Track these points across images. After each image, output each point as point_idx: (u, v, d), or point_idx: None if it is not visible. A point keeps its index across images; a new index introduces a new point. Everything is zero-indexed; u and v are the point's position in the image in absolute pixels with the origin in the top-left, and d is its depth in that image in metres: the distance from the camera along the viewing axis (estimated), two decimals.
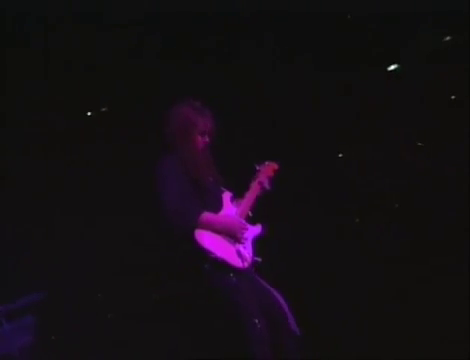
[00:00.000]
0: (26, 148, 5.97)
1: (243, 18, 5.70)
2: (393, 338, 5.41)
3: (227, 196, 4.36)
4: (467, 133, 5.79)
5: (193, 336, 4.39)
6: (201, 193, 4.25)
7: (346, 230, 6.09)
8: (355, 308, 5.67)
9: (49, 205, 5.90)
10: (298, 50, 5.95)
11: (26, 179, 5.91)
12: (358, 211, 6.17)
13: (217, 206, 4.28)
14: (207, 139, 4.38)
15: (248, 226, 4.29)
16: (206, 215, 4.15)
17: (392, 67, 6.12)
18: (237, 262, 4.14)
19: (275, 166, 4.54)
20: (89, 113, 6.11)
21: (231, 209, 4.33)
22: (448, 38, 5.92)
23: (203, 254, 4.07)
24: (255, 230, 4.35)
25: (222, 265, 4.09)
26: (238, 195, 4.39)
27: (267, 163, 4.54)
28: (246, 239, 4.27)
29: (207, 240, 4.10)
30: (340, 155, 6.21)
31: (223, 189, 4.38)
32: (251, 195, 4.38)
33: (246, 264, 4.18)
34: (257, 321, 4.02)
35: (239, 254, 4.17)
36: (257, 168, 4.50)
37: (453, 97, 6.00)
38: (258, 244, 4.33)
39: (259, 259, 4.28)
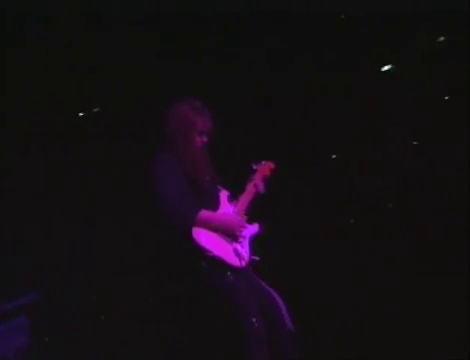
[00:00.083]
0: (25, 148, 5.97)
1: (240, 18, 5.70)
2: (391, 338, 5.41)
3: (224, 195, 4.38)
4: (463, 133, 5.79)
5: (190, 335, 4.37)
6: (199, 192, 4.25)
7: (342, 230, 6.09)
8: (352, 308, 5.67)
9: (44, 205, 5.88)
10: (295, 50, 5.95)
11: (25, 179, 5.91)
12: (353, 211, 6.16)
13: (214, 205, 4.29)
14: (205, 139, 4.38)
15: (246, 224, 4.30)
16: (204, 213, 4.15)
17: (386, 67, 6.12)
18: (234, 261, 4.15)
19: (272, 165, 4.57)
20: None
21: (228, 208, 4.35)
22: (442, 38, 5.91)
23: (200, 252, 4.06)
24: (252, 229, 4.36)
25: (219, 264, 4.09)
26: (235, 194, 4.40)
27: (264, 163, 4.56)
28: (244, 238, 4.27)
29: (204, 238, 4.10)
30: (333, 156, 6.20)
31: (220, 188, 4.39)
32: (248, 195, 4.39)
33: (243, 263, 4.19)
34: (254, 320, 4.02)
35: (236, 253, 4.18)
36: (254, 167, 4.52)
37: (447, 98, 5.99)
38: (255, 243, 4.33)
39: (256, 258, 4.29)
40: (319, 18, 5.75)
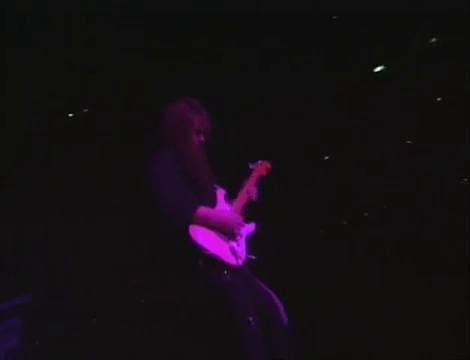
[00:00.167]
0: (25, 148, 5.98)
1: (237, 18, 5.70)
2: (389, 338, 5.40)
3: (221, 194, 4.38)
4: (459, 134, 5.79)
5: (187, 334, 4.37)
6: (196, 190, 4.25)
7: (337, 230, 6.09)
8: (348, 307, 5.67)
9: (40, 205, 5.88)
10: (291, 51, 5.95)
11: (25, 179, 5.91)
12: (348, 211, 6.17)
13: (211, 203, 4.29)
14: (202, 138, 4.39)
15: (243, 223, 4.31)
16: (202, 209, 4.14)
17: (378, 68, 6.12)
18: (231, 259, 4.15)
19: (268, 165, 4.59)
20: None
21: (225, 207, 4.35)
22: (434, 39, 5.91)
23: (197, 251, 4.06)
24: (249, 228, 4.38)
25: (216, 262, 4.08)
26: (232, 193, 4.40)
27: (260, 162, 4.58)
28: (241, 236, 4.27)
29: (201, 237, 4.09)
30: (326, 158, 6.21)
31: (217, 187, 4.39)
32: (242, 198, 4.41)
33: (240, 261, 4.19)
34: (251, 319, 4.02)
35: (233, 251, 4.18)
36: (250, 167, 4.54)
37: (439, 99, 5.99)
38: (251, 242, 4.34)
39: (253, 257, 4.29)
40: (317, 18, 5.75)
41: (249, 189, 4.43)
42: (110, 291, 5.76)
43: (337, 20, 5.83)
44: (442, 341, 5.28)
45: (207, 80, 5.67)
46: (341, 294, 5.69)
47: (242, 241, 4.29)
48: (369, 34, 5.88)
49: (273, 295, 4.25)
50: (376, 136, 6.13)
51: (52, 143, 5.96)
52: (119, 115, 5.99)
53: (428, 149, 5.97)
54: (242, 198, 4.41)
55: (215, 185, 4.39)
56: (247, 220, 4.37)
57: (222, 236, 4.19)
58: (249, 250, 4.31)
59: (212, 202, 4.30)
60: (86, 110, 6.13)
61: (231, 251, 4.17)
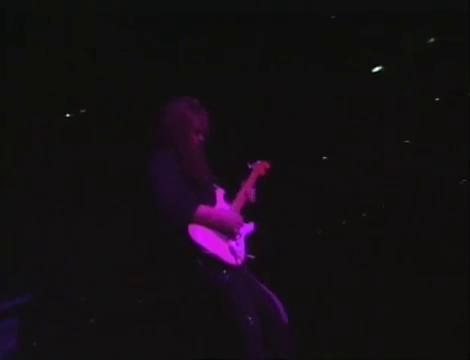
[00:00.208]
0: (25, 148, 5.98)
1: (235, 18, 5.70)
2: (387, 337, 5.40)
3: (220, 193, 4.37)
4: (458, 133, 5.79)
5: (186, 334, 4.37)
6: (196, 189, 4.23)
7: (336, 230, 6.09)
8: (346, 307, 5.67)
9: (36, 205, 5.89)
10: (289, 51, 5.95)
11: (25, 179, 5.92)
12: (347, 211, 6.17)
13: (211, 203, 4.28)
14: (201, 138, 4.38)
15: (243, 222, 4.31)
16: (203, 208, 4.13)
17: (376, 69, 6.12)
18: (230, 259, 4.14)
19: (267, 165, 4.60)
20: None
21: (224, 206, 4.35)
22: (432, 40, 5.91)
23: (197, 250, 4.05)
24: (248, 228, 4.37)
25: (215, 262, 4.07)
26: (231, 193, 4.40)
27: (259, 162, 4.58)
28: (240, 236, 4.27)
29: (200, 236, 4.07)
30: (324, 158, 6.21)
31: (216, 186, 4.39)
32: (243, 195, 4.41)
33: (239, 261, 4.18)
34: (250, 319, 4.01)
35: (232, 251, 4.17)
36: (249, 167, 4.54)
37: (437, 99, 5.99)
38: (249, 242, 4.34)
39: (252, 256, 4.29)
40: (315, 18, 5.76)
41: (247, 191, 4.43)
42: (109, 291, 5.77)
43: (335, 20, 5.82)
44: (442, 341, 5.27)
45: (206, 80, 5.68)
46: (339, 294, 5.70)
47: (241, 241, 4.28)
48: (367, 34, 5.87)
49: (272, 295, 4.25)
50: (374, 136, 6.13)
51: (52, 143, 5.97)
52: (118, 115, 6.00)
53: (426, 149, 5.98)
54: (241, 198, 4.40)
55: (214, 185, 4.38)
56: (246, 220, 4.37)
57: (221, 235, 4.18)
58: (248, 250, 4.30)
59: (211, 202, 4.29)
60: (85, 110, 6.13)
61: (230, 251, 4.16)
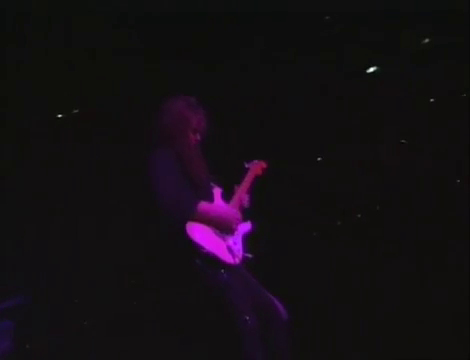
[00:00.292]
0: (24, 148, 5.99)
1: (231, 18, 5.70)
2: (385, 337, 5.41)
3: (218, 192, 4.38)
4: (453, 134, 5.80)
5: (184, 333, 4.37)
6: (194, 188, 4.23)
7: (331, 229, 6.10)
8: (341, 308, 5.68)
9: (33, 207, 5.89)
10: (285, 51, 5.96)
11: (25, 179, 5.93)
12: (342, 211, 6.18)
13: (208, 201, 4.27)
14: (199, 137, 4.38)
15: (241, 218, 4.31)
16: (203, 204, 4.13)
17: (371, 69, 6.11)
18: (228, 258, 4.14)
19: (264, 165, 4.60)
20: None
21: (222, 204, 4.34)
22: (427, 40, 5.91)
23: (194, 249, 4.05)
24: (245, 227, 4.38)
25: (213, 260, 4.07)
26: (227, 192, 4.41)
27: (256, 162, 4.58)
28: (237, 234, 4.27)
29: (198, 235, 4.07)
30: (319, 159, 6.21)
31: (213, 185, 4.39)
32: (239, 195, 4.42)
33: (237, 260, 4.19)
34: (248, 318, 4.01)
35: (230, 250, 4.17)
36: (246, 166, 4.55)
37: (432, 100, 5.99)
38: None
39: (250, 255, 4.29)
40: (310, 18, 5.76)
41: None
42: (107, 291, 5.77)
43: (330, 20, 5.82)
44: (441, 341, 5.27)
45: (203, 79, 5.68)
46: (335, 294, 5.71)
47: (238, 239, 4.29)
48: (363, 34, 5.88)
49: (269, 294, 4.25)
50: (370, 137, 6.13)
51: (50, 143, 5.97)
52: (116, 115, 6.00)
53: (422, 150, 5.97)
54: (238, 198, 4.40)
55: (212, 184, 4.39)
56: (243, 219, 4.37)
57: (219, 234, 4.18)
58: (245, 249, 4.30)
59: (209, 200, 4.28)
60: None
61: (228, 249, 4.17)
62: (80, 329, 5.63)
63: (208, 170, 4.35)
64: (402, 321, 5.45)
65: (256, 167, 4.57)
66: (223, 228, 4.19)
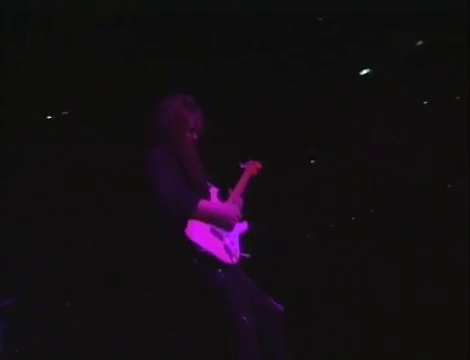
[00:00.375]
0: (25, 148, 5.99)
1: (227, 19, 5.71)
2: (383, 337, 5.41)
3: (214, 192, 4.37)
4: (447, 136, 5.80)
5: (181, 333, 4.37)
6: (191, 187, 4.22)
7: (325, 233, 6.11)
8: (336, 308, 5.68)
9: (28, 207, 5.89)
10: (282, 52, 5.96)
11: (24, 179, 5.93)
12: (335, 215, 6.18)
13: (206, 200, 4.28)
14: (196, 136, 4.37)
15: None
16: (203, 202, 4.13)
17: (364, 72, 6.11)
18: (225, 257, 4.14)
19: (259, 165, 4.61)
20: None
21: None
22: (420, 42, 5.91)
23: (192, 248, 4.04)
24: (242, 227, 4.39)
25: (211, 260, 4.07)
26: (223, 192, 4.41)
27: (251, 162, 4.59)
28: (234, 234, 4.27)
29: (196, 234, 4.06)
30: (312, 161, 6.22)
31: (210, 185, 4.38)
32: (238, 190, 4.42)
33: (234, 260, 4.19)
34: (245, 318, 4.00)
35: (227, 250, 4.17)
36: (241, 166, 4.55)
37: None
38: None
39: (247, 255, 4.29)
40: (303, 19, 5.76)
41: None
42: (106, 291, 5.78)
43: (327, 21, 5.82)
44: (440, 341, 5.27)
45: (199, 79, 5.69)
46: (330, 295, 5.71)
47: (236, 239, 4.29)
48: (362, 35, 5.87)
49: (266, 294, 4.26)
50: (364, 139, 6.13)
51: (50, 143, 5.98)
52: (116, 115, 6.00)
53: (416, 152, 5.97)
54: (233, 198, 4.40)
55: (208, 183, 4.38)
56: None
57: (216, 234, 4.17)
58: (242, 249, 4.30)
59: (207, 200, 4.28)
60: (67, 112, 6.13)
61: (225, 249, 4.17)
62: (74, 330, 5.63)
63: (205, 170, 4.35)
64: (398, 322, 5.45)
65: (251, 167, 4.58)
66: (223, 225, 4.20)
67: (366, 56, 6.00)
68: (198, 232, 4.09)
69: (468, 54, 5.76)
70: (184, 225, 4.05)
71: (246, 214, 4.38)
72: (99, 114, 6.08)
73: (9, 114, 5.93)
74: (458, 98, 5.89)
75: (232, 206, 4.29)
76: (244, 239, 4.36)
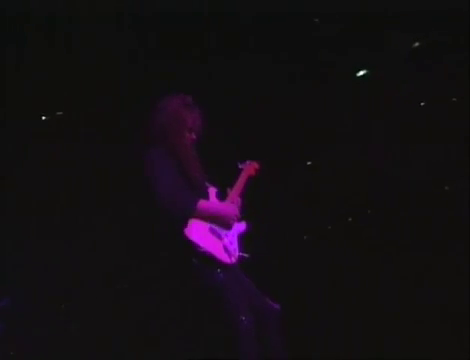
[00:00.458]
0: (26, 148, 6.00)
1: (224, 19, 5.71)
2: (381, 337, 5.40)
3: (212, 191, 4.38)
4: (445, 137, 5.79)
5: (180, 332, 4.37)
6: (190, 187, 4.23)
7: (322, 235, 6.11)
8: (333, 308, 5.68)
9: (28, 207, 5.89)
10: (281, 52, 5.96)
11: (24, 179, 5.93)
12: (331, 217, 6.19)
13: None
14: (194, 136, 4.38)
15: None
16: (202, 202, 4.14)
17: (361, 73, 6.11)
18: (224, 257, 4.14)
19: (256, 165, 4.61)
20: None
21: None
22: (417, 44, 5.91)
23: (191, 248, 4.05)
24: (240, 227, 4.39)
25: (210, 260, 4.08)
26: (221, 192, 4.41)
27: (249, 162, 4.60)
28: (233, 234, 4.27)
29: (195, 233, 4.07)
30: (309, 163, 6.22)
31: (208, 185, 4.39)
32: (236, 189, 4.43)
33: (233, 259, 4.19)
34: (244, 318, 4.01)
35: (226, 249, 4.18)
36: (239, 167, 4.56)
37: (423, 103, 5.99)
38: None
39: (246, 255, 4.29)
40: (300, 20, 5.77)
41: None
42: (105, 291, 5.78)
43: (321, 22, 5.83)
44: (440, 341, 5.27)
45: (198, 79, 5.69)
46: (328, 296, 5.71)
47: (234, 239, 4.29)
48: (361, 35, 5.87)
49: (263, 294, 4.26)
50: (363, 140, 6.13)
51: (50, 143, 5.98)
52: (115, 114, 6.00)
53: (416, 152, 5.97)
54: (231, 198, 4.40)
55: (206, 183, 4.39)
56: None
57: (215, 233, 4.18)
58: (241, 249, 4.30)
59: (205, 199, 4.29)
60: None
61: (224, 249, 4.17)
62: (72, 329, 5.63)
63: (203, 170, 4.35)
64: (398, 322, 5.45)
65: (249, 167, 4.58)
66: (222, 224, 4.20)
67: (365, 56, 5.98)
68: (197, 231, 4.10)
69: (468, 54, 5.75)
70: (183, 225, 4.06)
71: (244, 214, 4.38)
72: (99, 114, 6.07)
73: (9, 114, 5.92)
74: (458, 98, 5.87)
75: (231, 206, 4.30)
76: (242, 239, 4.35)
